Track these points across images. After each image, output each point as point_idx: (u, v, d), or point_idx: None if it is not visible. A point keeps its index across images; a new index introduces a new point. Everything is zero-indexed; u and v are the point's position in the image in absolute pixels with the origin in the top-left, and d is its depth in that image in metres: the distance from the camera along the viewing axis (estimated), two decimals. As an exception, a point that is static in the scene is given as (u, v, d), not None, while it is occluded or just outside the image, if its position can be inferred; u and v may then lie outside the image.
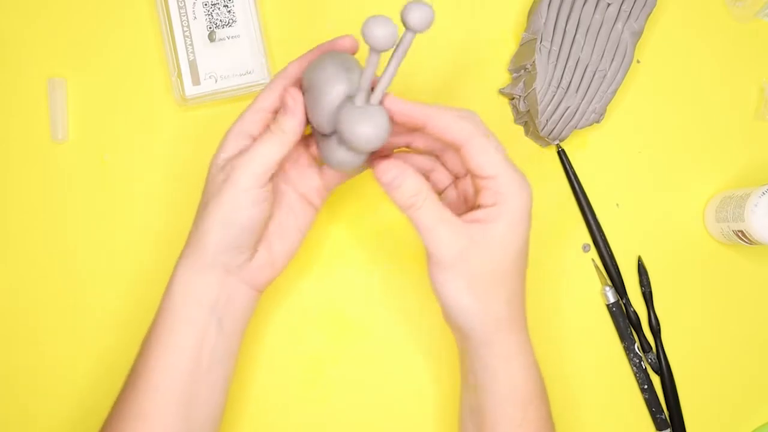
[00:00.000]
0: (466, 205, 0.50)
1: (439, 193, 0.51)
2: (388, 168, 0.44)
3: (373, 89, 0.44)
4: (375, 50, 0.39)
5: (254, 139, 0.46)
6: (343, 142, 0.44)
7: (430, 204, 0.44)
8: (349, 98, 0.44)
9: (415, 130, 0.47)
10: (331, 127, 0.45)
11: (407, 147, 0.50)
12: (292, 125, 0.45)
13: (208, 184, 0.47)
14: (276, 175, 0.47)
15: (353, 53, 0.48)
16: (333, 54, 0.46)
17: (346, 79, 0.44)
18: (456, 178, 0.51)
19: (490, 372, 0.47)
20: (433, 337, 0.57)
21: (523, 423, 0.47)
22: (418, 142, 0.50)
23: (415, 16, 0.38)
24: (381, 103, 0.44)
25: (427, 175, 0.51)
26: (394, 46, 0.40)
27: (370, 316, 0.58)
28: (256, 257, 0.49)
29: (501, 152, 0.45)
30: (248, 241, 0.47)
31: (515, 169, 0.45)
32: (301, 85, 0.47)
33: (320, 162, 0.51)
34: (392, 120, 0.44)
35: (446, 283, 0.45)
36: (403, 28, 0.40)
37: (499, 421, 0.47)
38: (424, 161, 0.51)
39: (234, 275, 0.48)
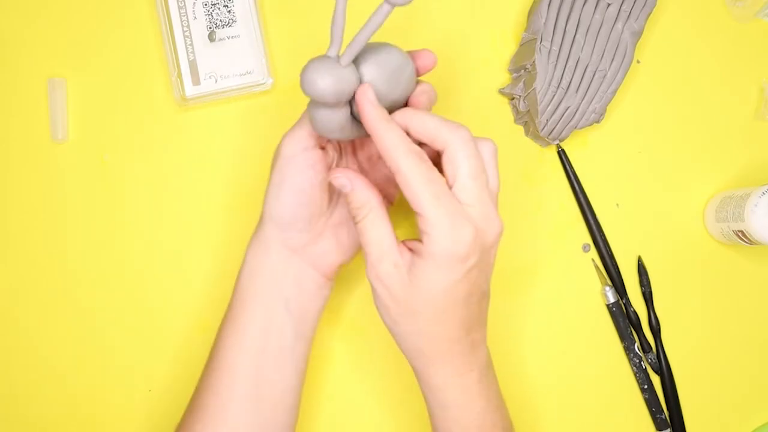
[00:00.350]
0: None
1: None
2: (336, 174, 0.44)
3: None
4: None
5: None
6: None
7: (371, 220, 0.43)
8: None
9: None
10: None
11: None
12: None
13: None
14: (327, 144, 0.48)
15: (426, 69, 0.48)
16: (390, 47, 0.45)
17: (369, 62, 0.43)
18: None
19: (424, 397, 0.47)
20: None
21: None
22: None
23: None
24: (358, 68, 0.42)
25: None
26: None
27: (370, 315, 0.58)
28: (320, 241, 0.49)
29: (436, 186, 0.41)
30: (300, 213, 0.47)
31: (453, 212, 0.41)
32: None
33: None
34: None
35: (374, 299, 0.44)
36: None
37: None
38: None
39: (299, 256, 0.48)
